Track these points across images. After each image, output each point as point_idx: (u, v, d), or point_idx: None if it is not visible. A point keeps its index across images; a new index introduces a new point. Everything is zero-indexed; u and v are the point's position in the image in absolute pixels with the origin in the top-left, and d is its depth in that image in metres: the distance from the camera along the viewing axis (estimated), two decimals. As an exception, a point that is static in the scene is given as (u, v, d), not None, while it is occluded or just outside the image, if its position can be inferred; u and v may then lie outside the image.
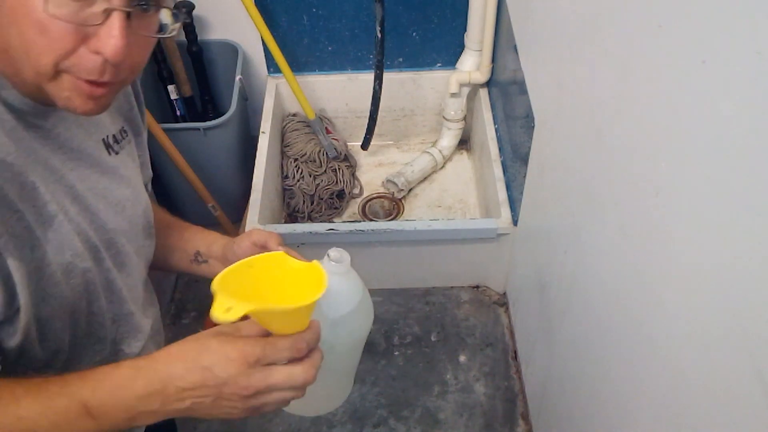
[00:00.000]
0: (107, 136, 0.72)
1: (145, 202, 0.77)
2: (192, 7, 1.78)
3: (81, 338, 0.68)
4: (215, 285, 0.56)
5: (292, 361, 0.59)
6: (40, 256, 0.59)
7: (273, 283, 0.64)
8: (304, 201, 2.01)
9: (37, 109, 0.61)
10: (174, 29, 0.62)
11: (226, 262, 0.81)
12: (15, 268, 0.56)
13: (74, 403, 0.56)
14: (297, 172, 2.01)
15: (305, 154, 2.01)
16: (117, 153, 0.73)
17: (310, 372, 0.60)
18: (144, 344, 0.77)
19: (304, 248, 1.73)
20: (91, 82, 0.57)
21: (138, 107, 0.79)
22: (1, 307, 0.56)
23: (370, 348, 1.78)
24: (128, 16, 0.55)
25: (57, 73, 0.56)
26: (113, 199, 0.70)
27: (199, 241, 0.86)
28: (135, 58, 0.59)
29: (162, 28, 0.61)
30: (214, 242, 0.85)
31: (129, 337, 0.75)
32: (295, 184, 2.00)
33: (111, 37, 0.54)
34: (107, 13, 0.54)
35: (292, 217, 2.04)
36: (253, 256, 0.63)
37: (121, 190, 0.72)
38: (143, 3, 0.56)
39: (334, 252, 0.74)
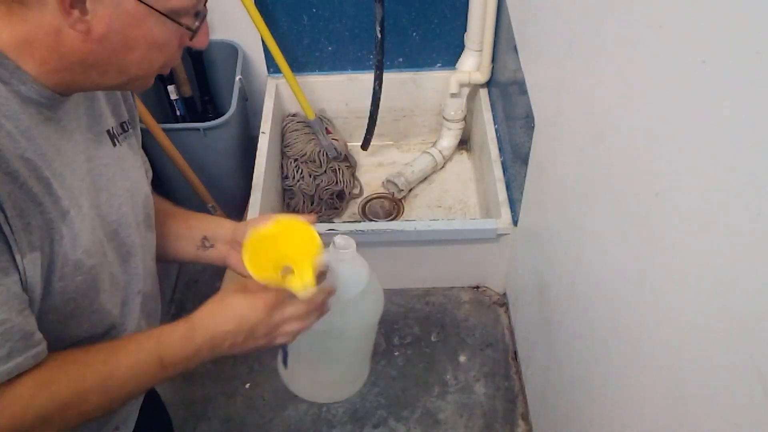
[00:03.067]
0: (111, 128, 0.74)
1: (145, 193, 0.79)
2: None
3: (81, 334, 0.69)
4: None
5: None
6: (57, 249, 0.61)
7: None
8: (304, 201, 2.01)
9: (51, 99, 0.63)
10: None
11: (235, 243, 0.86)
12: (29, 263, 0.58)
13: (153, 357, 0.67)
14: (297, 172, 2.01)
15: (305, 154, 2.01)
16: (120, 144, 0.75)
17: (312, 307, 0.75)
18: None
19: (304, 248, 1.72)
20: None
21: (132, 101, 0.82)
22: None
23: (370, 348, 1.78)
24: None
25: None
26: (116, 190, 0.72)
27: (205, 226, 0.88)
28: None
29: None
30: (220, 226, 0.87)
31: (130, 328, 0.76)
32: (295, 184, 2.00)
33: (207, 35, 0.69)
34: (202, 17, 0.67)
35: (292, 217, 2.03)
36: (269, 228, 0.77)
37: (123, 182, 0.73)
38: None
39: (339, 239, 0.80)
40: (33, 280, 0.59)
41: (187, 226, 0.88)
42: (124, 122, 0.77)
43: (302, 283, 0.73)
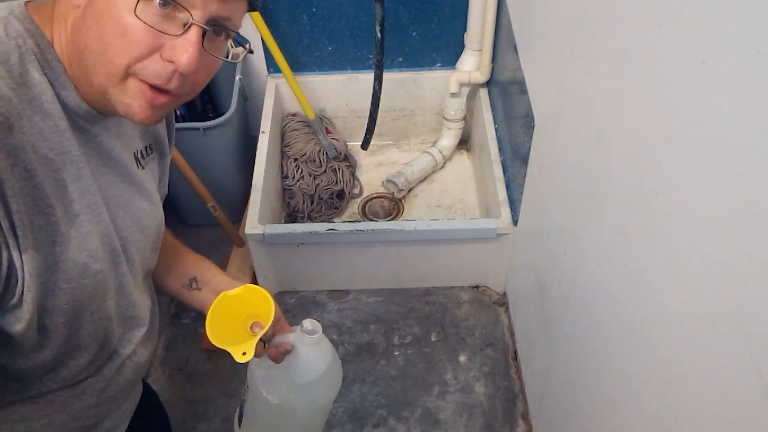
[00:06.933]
0: (137, 150, 0.76)
1: (159, 217, 0.80)
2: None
3: (84, 337, 0.69)
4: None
5: None
6: (60, 251, 0.61)
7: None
8: (304, 201, 2.01)
9: (88, 114, 0.64)
10: (237, 54, 0.68)
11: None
12: (27, 261, 0.58)
13: None
14: (297, 171, 2.01)
15: (305, 153, 2.01)
16: (143, 168, 0.76)
17: None
18: (134, 348, 0.78)
19: (304, 248, 1.73)
20: (154, 90, 0.61)
21: (168, 132, 0.83)
22: None
23: (370, 348, 1.78)
24: (203, 34, 0.60)
25: (126, 76, 0.60)
26: (132, 210, 0.73)
27: (199, 269, 0.88)
28: (199, 75, 0.64)
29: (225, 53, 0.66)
30: (214, 275, 0.87)
31: (127, 341, 0.77)
32: (295, 183, 2.00)
33: (187, 49, 0.59)
34: (187, 26, 0.59)
35: (292, 217, 2.04)
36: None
37: (141, 203, 0.75)
38: (218, 26, 0.61)
39: (308, 324, 0.83)
40: (29, 279, 0.59)
41: (182, 262, 0.88)
42: (149, 145, 0.79)
43: (241, 352, 0.78)
